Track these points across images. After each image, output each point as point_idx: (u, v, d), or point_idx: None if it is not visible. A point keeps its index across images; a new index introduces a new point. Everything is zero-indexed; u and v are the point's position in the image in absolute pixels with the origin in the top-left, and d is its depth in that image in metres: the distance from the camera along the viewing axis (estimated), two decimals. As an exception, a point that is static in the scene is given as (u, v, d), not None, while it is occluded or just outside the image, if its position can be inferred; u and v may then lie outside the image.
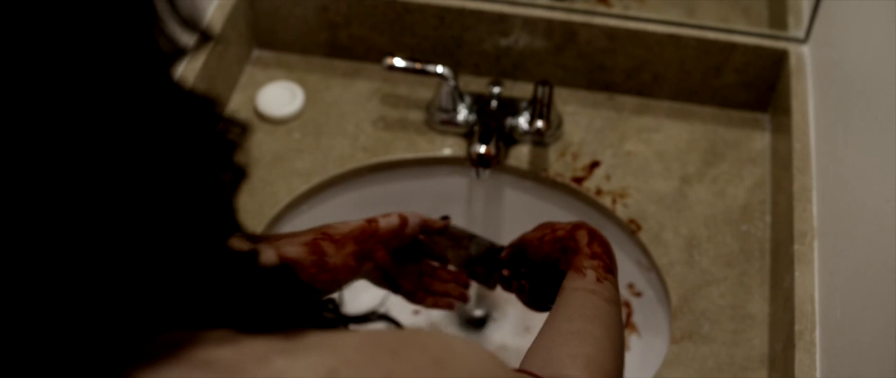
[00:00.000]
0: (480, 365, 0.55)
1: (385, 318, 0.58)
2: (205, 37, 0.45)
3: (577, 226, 0.96)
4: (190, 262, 0.45)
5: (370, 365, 0.48)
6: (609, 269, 0.91)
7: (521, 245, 1.01)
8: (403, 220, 0.98)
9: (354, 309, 0.58)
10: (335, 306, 0.57)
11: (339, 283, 0.92)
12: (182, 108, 0.45)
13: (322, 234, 0.92)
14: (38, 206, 0.39)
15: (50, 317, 0.41)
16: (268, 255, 0.86)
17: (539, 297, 1.01)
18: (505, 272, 1.04)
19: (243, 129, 0.49)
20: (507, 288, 1.05)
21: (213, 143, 0.47)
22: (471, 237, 1.06)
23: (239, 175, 0.50)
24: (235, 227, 0.49)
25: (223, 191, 0.48)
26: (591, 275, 0.89)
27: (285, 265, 0.53)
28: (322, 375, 0.45)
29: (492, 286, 1.08)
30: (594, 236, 0.95)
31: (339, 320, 0.56)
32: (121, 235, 0.42)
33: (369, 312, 0.56)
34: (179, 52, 0.44)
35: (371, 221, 0.96)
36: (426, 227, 1.01)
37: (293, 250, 0.90)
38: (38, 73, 0.38)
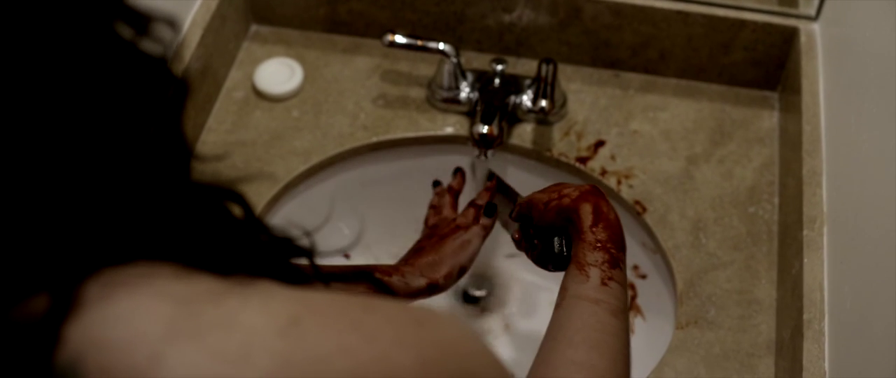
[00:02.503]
0: (465, 337, 0.50)
1: (372, 278, 0.53)
2: None
3: (583, 196, 0.90)
4: (133, 185, 0.44)
5: (339, 316, 0.44)
6: (615, 261, 0.85)
7: (528, 206, 0.97)
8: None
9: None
10: (315, 266, 0.53)
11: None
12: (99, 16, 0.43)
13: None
14: None
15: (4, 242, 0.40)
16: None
17: (547, 257, 0.97)
18: (516, 235, 1.02)
19: (172, 35, 0.45)
20: (517, 246, 1.02)
21: (140, 60, 0.44)
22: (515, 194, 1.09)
23: (182, 90, 0.47)
24: (185, 149, 0.47)
25: (163, 109, 0.46)
26: (594, 276, 0.83)
27: (239, 197, 0.48)
28: (282, 322, 0.42)
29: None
30: (599, 215, 0.88)
31: (318, 277, 0.52)
32: (58, 162, 0.41)
33: (357, 272, 0.52)
34: None
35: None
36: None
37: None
38: None
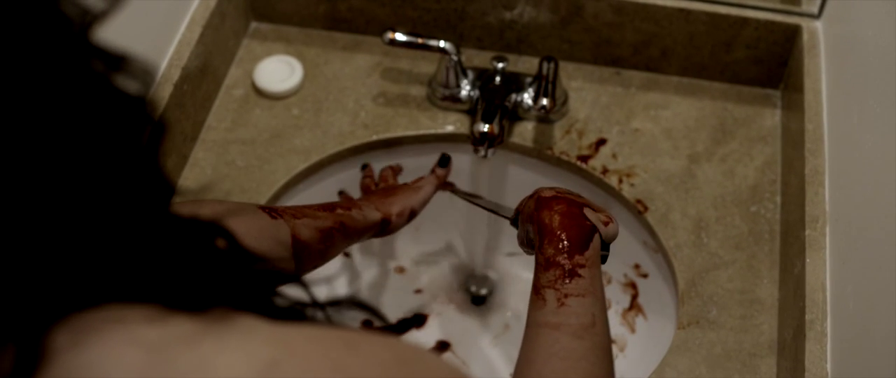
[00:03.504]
0: (451, 374, 0.48)
1: (360, 305, 0.50)
2: None
3: (533, 213, 0.89)
4: (109, 226, 0.41)
5: (321, 359, 0.42)
6: (570, 272, 0.82)
7: (517, 211, 1.00)
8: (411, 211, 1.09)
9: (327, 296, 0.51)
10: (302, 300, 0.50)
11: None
12: (81, 64, 0.41)
13: (340, 225, 0.98)
14: None
15: None
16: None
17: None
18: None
19: (148, 75, 0.43)
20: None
21: (115, 99, 0.42)
22: (476, 198, 1.16)
23: (159, 130, 0.45)
24: (165, 187, 0.45)
25: (140, 149, 0.44)
26: (550, 299, 0.81)
27: (224, 232, 0.46)
28: (260, 366, 0.40)
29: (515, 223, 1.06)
30: (543, 229, 0.86)
31: (298, 311, 0.48)
32: (24, 203, 0.39)
33: (343, 299, 0.49)
34: (86, 16, 0.40)
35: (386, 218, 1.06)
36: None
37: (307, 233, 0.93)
38: None
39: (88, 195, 0.41)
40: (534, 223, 0.89)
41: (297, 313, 0.46)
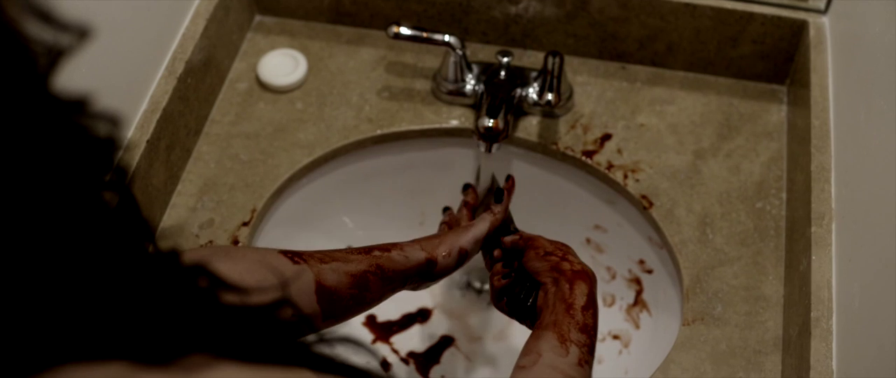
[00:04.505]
0: None
1: (352, 342, 0.47)
2: (81, 33, 0.39)
3: (584, 273, 0.92)
4: (67, 274, 0.39)
5: None
6: (593, 350, 0.85)
7: (528, 243, 0.98)
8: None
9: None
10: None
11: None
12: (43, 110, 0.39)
13: (376, 268, 0.93)
14: None
15: None
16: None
17: (515, 301, 0.99)
18: (496, 253, 1.03)
19: (114, 122, 0.41)
20: (490, 267, 1.04)
21: (79, 145, 0.40)
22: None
23: (121, 176, 0.43)
24: (138, 229, 0.43)
25: (99, 195, 0.41)
26: (573, 354, 0.83)
27: (201, 274, 0.43)
28: None
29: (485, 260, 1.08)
30: (592, 301, 0.89)
31: (288, 351, 0.45)
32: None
33: (359, 253, 0.46)
34: (51, 54, 0.38)
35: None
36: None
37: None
38: None
39: (42, 242, 0.38)
40: (574, 280, 0.91)
41: (286, 353, 0.44)
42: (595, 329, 0.88)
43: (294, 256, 0.87)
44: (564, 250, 0.95)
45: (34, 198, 0.38)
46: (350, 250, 0.93)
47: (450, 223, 1.13)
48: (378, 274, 0.92)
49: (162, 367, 0.38)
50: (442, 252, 0.98)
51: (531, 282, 0.97)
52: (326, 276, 0.87)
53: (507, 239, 1.02)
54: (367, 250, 0.94)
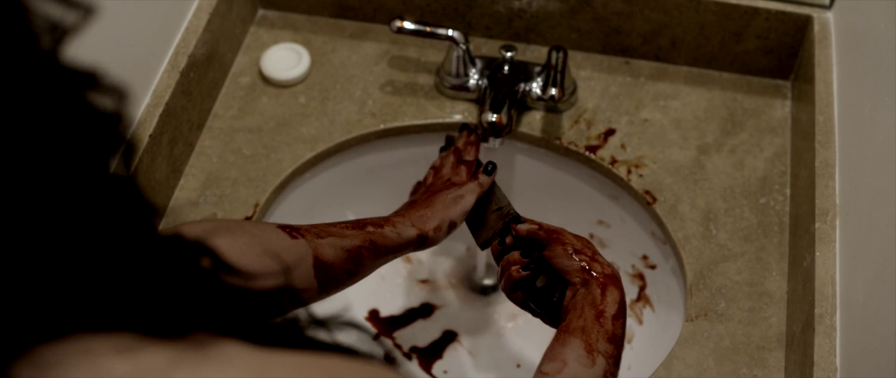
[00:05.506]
0: None
1: (350, 324, 0.47)
2: (86, 9, 0.39)
3: (615, 278, 0.89)
4: (75, 247, 0.39)
5: None
6: (620, 361, 0.84)
7: (551, 235, 0.95)
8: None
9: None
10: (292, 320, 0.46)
11: None
12: (48, 84, 0.39)
13: (370, 243, 0.93)
14: None
15: None
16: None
17: (538, 296, 0.96)
18: (508, 240, 1.01)
19: (121, 94, 0.41)
20: (497, 259, 1.01)
21: (87, 116, 0.40)
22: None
23: (128, 151, 0.43)
24: (143, 207, 0.43)
25: (108, 171, 0.41)
26: (599, 365, 0.81)
27: (206, 250, 0.43)
28: None
29: (483, 247, 1.07)
30: (623, 311, 0.86)
31: (288, 331, 0.45)
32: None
33: (330, 317, 0.46)
34: (56, 31, 0.39)
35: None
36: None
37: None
38: None
39: (52, 216, 0.38)
40: (606, 285, 0.88)
41: (287, 334, 0.44)
42: (623, 339, 0.85)
43: (292, 231, 0.88)
44: (592, 249, 0.92)
45: (45, 171, 0.38)
46: (344, 224, 0.95)
47: (437, 168, 1.14)
48: (371, 250, 0.94)
49: (167, 341, 0.39)
50: (432, 226, 1.01)
51: (554, 277, 0.94)
52: (324, 251, 0.89)
53: (522, 228, 0.98)
54: (361, 225, 0.95)
